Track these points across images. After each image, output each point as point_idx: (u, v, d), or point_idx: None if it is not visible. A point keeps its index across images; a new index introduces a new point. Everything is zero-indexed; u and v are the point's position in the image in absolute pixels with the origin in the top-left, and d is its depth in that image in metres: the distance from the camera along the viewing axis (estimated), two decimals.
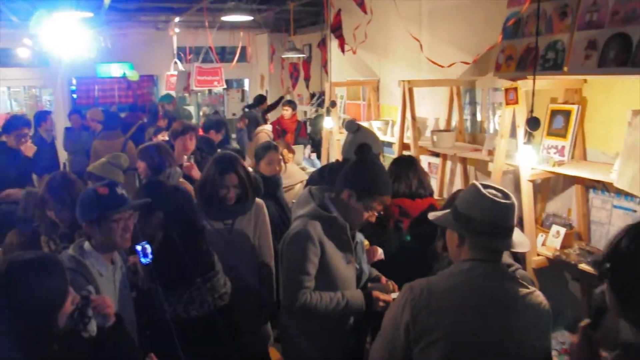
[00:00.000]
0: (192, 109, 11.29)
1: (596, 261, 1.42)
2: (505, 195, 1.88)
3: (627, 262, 1.34)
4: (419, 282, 1.89)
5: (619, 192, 3.33)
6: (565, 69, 3.15)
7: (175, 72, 10.33)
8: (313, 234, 2.51)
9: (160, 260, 2.68)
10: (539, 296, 1.89)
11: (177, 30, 10.08)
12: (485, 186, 1.90)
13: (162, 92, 11.41)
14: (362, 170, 2.56)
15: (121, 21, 9.85)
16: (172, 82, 10.35)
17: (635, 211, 3.30)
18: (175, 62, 10.40)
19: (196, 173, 4.28)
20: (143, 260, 2.47)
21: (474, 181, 1.97)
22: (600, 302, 1.44)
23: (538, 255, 3.47)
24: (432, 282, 1.88)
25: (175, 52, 10.45)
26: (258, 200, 3.35)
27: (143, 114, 8.73)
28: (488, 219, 1.84)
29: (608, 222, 3.50)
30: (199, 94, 12.67)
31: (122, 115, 8.27)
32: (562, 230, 3.49)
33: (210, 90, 12.44)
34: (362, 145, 2.77)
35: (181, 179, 3.97)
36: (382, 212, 2.67)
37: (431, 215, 2.05)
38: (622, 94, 3.30)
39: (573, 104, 3.51)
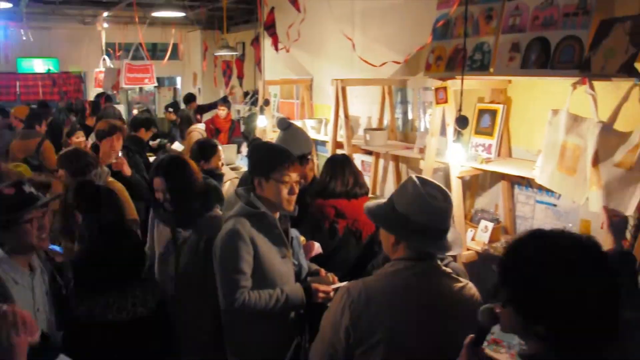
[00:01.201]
0: (122, 107, 10.96)
1: (490, 289, 1.41)
2: (444, 196, 1.89)
3: (526, 279, 1.29)
4: (356, 284, 1.86)
5: (541, 188, 3.49)
6: (491, 69, 3.26)
7: (104, 69, 9.99)
8: (243, 232, 2.49)
9: (81, 260, 2.62)
10: (471, 289, 1.93)
11: (105, 25, 9.76)
12: (424, 183, 1.90)
13: (91, 89, 11.02)
14: (256, 153, 2.74)
15: (44, 14, 9.42)
16: (101, 80, 10.00)
17: (555, 205, 3.48)
18: (104, 59, 10.06)
19: (127, 169, 4.18)
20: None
21: (413, 176, 1.95)
22: (484, 320, 1.46)
23: (468, 249, 3.58)
24: (368, 284, 1.86)
25: (103, 48, 10.10)
26: (217, 212, 3.01)
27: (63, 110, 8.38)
28: (426, 222, 1.85)
29: (532, 216, 3.66)
30: (129, 91, 12.31)
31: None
32: (490, 225, 3.62)
33: (141, 88, 12.11)
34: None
35: (110, 178, 3.85)
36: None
37: (366, 210, 2.02)
38: (543, 94, 3.46)
39: (499, 103, 3.65)
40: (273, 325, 2.63)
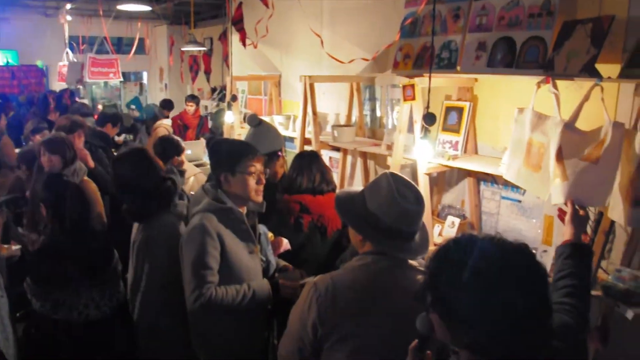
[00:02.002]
0: (86, 102, 10.74)
1: (417, 293, 1.31)
2: (417, 197, 1.88)
3: (448, 286, 1.23)
4: (323, 278, 1.86)
5: (506, 184, 3.55)
6: (458, 68, 3.31)
7: (67, 63, 9.76)
8: (210, 227, 2.48)
9: (38, 254, 2.58)
10: None
11: (68, 17, 9.52)
12: (397, 181, 1.88)
13: (53, 83, 10.76)
14: (218, 149, 2.69)
15: (3, 4, 9.15)
16: (65, 74, 9.78)
17: (520, 201, 3.55)
18: (67, 52, 9.83)
19: (90, 161, 4.14)
20: None
21: (387, 172, 1.93)
22: (422, 328, 1.38)
23: (435, 245, 3.62)
24: (336, 278, 1.85)
25: (66, 41, 9.86)
26: (166, 216, 2.85)
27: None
28: (396, 224, 1.84)
29: (497, 212, 3.73)
30: (94, 86, 12.07)
31: None
32: (457, 221, 3.68)
33: (106, 83, 11.89)
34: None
35: (86, 177, 3.79)
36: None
37: (337, 203, 2.00)
38: (508, 92, 3.53)
39: (465, 101, 3.70)
40: (241, 321, 2.62)
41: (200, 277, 2.45)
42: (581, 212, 2.12)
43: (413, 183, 1.93)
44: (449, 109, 3.78)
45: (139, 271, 2.78)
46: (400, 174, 1.96)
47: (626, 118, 2.81)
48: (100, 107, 10.39)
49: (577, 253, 1.87)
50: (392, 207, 1.84)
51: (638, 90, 2.42)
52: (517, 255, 1.23)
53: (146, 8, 7.81)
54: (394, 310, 1.81)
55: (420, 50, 3.61)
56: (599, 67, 2.74)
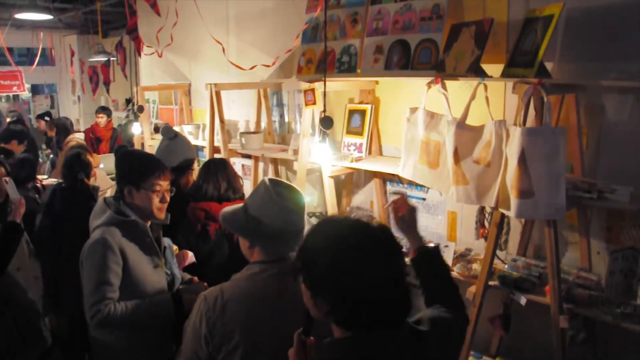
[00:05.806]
0: None
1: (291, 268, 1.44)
2: (296, 197, 1.89)
3: (314, 259, 1.35)
4: (213, 291, 1.84)
5: (411, 183, 3.64)
6: (359, 71, 3.38)
7: None
8: (111, 241, 2.40)
9: None
10: None
11: None
12: (275, 184, 1.89)
13: None
14: (125, 163, 2.66)
15: None
16: None
17: (424, 199, 3.65)
18: None
19: None
20: None
21: (265, 178, 1.95)
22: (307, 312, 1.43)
23: None
24: (225, 290, 1.83)
25: None
26: None
27: None
28: (277, 224, 1.85)
29: None
30: (2, 99, 11.46)
31: None
32: None
33: (15, 96, 11.30)
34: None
35: None
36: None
37: (222, 215, 2.00)
38: (407, 93, 3.62)
39: (367, 103, 3.78)
40: (143, 336, 2.54)
41: (99, 293, 2.37)
42: (400, 211, 1.89)
43: (294, 185, 1.95)
44: (352, 112, 3.84)
45: None
46: (280, 179, 1.97)
47: (513, 114, 2.96)
48: (8, 120, 9.85)
49: (421, 262, 1.80)
50: (270, 207, 1.85)
51: (516, 88, 2.54)
52: (375, 233, 1.34)
53: (46, 17, 7.42)
54: (284, 316, 1.80)
55: (321, 55, 3.65)
56: (489, 67, 2.87)
